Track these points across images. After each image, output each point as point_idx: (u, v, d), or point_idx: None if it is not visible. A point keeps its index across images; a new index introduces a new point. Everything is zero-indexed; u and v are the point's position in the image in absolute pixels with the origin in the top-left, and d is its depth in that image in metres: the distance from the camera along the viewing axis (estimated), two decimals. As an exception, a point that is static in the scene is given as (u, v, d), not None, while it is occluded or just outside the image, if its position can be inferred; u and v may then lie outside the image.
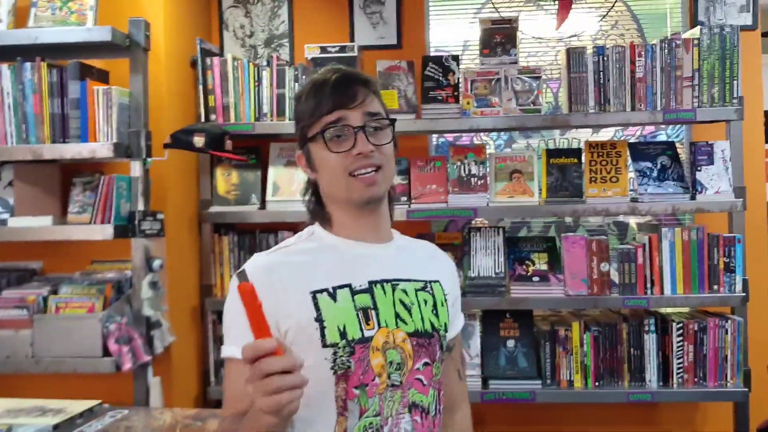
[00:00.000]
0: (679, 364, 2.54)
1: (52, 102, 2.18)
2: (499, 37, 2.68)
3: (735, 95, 2.53)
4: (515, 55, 2.67)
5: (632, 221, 3.00)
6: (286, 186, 2.73)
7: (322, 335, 1.16)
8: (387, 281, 1.24)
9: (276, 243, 2.75)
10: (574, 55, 2.59)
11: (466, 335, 2.65)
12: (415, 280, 1.27)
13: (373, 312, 1.20)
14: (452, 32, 3.09)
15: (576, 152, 2.68)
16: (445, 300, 1.31)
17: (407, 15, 2.96)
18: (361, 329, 1.18)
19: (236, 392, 1.14)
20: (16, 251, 2.56)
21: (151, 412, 1.65)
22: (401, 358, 1.20)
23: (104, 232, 2.16)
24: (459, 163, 2.69)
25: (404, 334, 1.22)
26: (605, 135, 3.01)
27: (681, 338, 2.54)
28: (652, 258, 2.56)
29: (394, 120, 1.28)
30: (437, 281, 1.31)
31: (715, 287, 2.54)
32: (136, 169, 2.25)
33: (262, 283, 1.05)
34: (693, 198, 2.56)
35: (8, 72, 2.19)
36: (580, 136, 3.03)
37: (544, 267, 2.64)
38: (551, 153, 2.69)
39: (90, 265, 2.52)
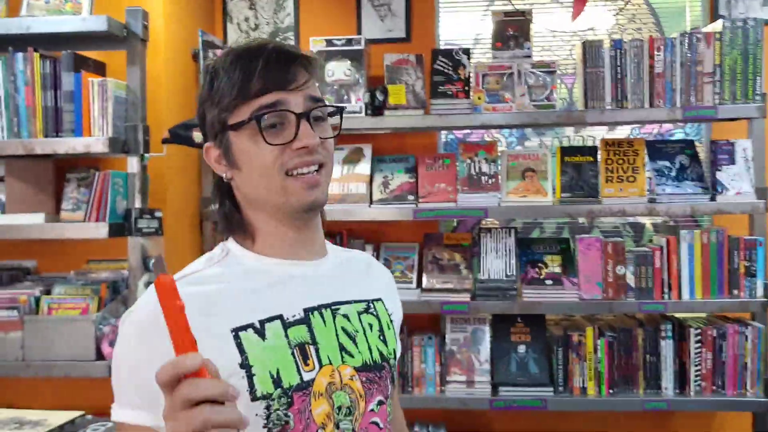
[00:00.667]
0: (696, 371, 2.43)
1: (45, 94, 2.09)
2: (513, 29, 2.57)
3: (758, 92, 2.42)
4: (529, 48, 2.56)
5: (648, 222, 2.89)
6: (289, 183, 2.63)
7: (251, 385, 0.91)
8: (325, 306, 1.01)
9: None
10: (590, 49, 2.48)
11: (476, 340, 2.55)
12: (355, 301, 1.06)
13: (311, 348, 0.97)
14: (463, 25, 2.99)
15: (592, 150, 2.58)
16: (391, 322, 1.11)
17: (416, 7, 2.86)
18: (299, 372, 0.94)
19: None
20: (10, 249, 2.48)
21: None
22: (351, 400, 0.98)
23: (98, 230, 2.07)
24: (469, 161, 2.58)
25: (351, 370, 0.99)
26: (621, 133, 2.90)
27: (699, 345, 2.44)
28: (670, 261, 2.45)
29: (343, 108, 1.08)
30: (379, 299, 1.11)
31: (735, 292, 2.43)
32: (133, 165, 2.16)
33: (164, 343, 0.78)
34: (713, 199, 2.45)
35: (-1, 63, 2.10)
36: (594, 134, 2.92)
37: (558, 270, 2.54)
38: (566, 151, 2.58)
39: (86, 264, 2.44)
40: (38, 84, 2.09)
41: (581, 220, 2.88)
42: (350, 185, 2.59)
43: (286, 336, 0.95)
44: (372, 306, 1.09)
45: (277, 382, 0.92)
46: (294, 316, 0.98)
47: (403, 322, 1.23)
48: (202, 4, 2.82)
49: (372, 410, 1.01)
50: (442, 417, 2.66)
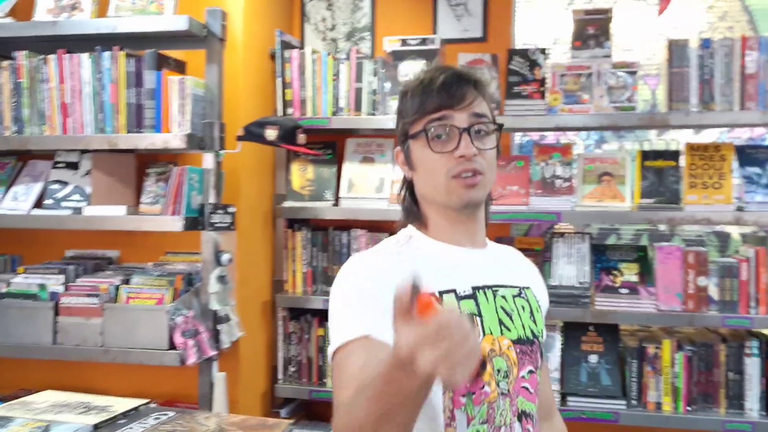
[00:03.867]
0: (785, 392, 2.28)
1: (128, 92, 2.18)
2: (593, 28, 2.49)
3: None
4: (609, 48, 2.47)
5: (735, 232, 2.73)
6: (360, 183, 2.64)
7: None
8: (488, 287, 1.20)
9: (349, 241, 2.69)
10: (676, 49, 2.37)
11: (546, 347, 2.48)
12: (511, 286, 1.24)
13: (478, 319, 1.15)
14: (541, 27, 2.91)
15: (674, 155, 2.46)
16: (539, 306, 1.29)
17: (494, 7, 2.81)
18: None
19: (363, 368, 1.00)
20: (98, 239, 2.60)
21: (197, 417, 1.58)
22: (507, 365, 1.16)
23: (174, 223, 2.14)
24: (543, 164, 2.52)
25: (509, 341, 1.18)
26: (707, 137, 2.76)
27: (789, 364, 2.28)
28: (758, 274, 2.31)
29: (501, 125, 1.23)
30: (529, 287, 1.29)
31: (832, 309, 2.27)
32: (208, 160, 2.22)
33: (379, 283, 1.06)
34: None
35: (88, 61, 2.21)
36: (678, 138, 2.78)
37: (634, 278, 2.43)
38: (646, 155, 2.48)
39: (163, 255, 2.53)
40: (122, 81, 2.18)
41: (661, 227, 2.76)
42: (421, 186, 2.58)
43: (459, 307, 1.14)
44: (523, 292, 1.26)
45: None
46: (464, 291, 1.17)
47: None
48: (281, 4, 2.88)
49: (523, 377, 1.19)
50: (508, 424, 2.59)
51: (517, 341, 1.19)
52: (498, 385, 1.14)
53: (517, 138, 2.90)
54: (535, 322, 1.25)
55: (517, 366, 1.18)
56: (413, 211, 1.26)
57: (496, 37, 2.80)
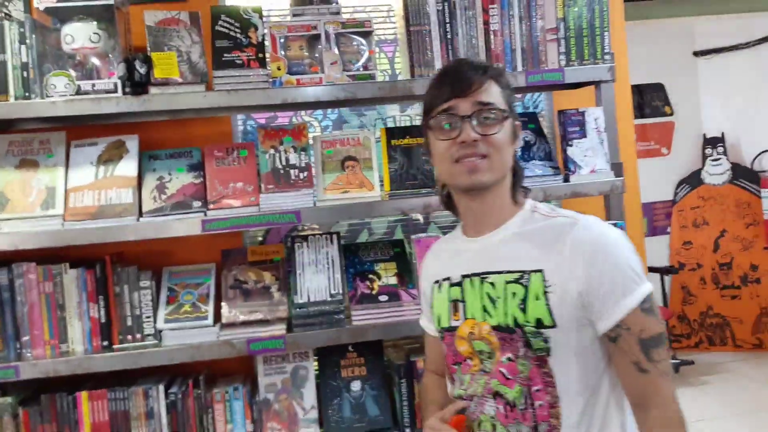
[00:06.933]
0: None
1: None
2: (315, -21, 2.01)
3: (606, 50, 2.05)
4: (337, 3, 2.01)
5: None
6: (19, 198, 1.86)
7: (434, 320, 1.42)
8: (477, 274, 1.31)
9: (11, 280, 1.89)
10: (412, 4, 1.98)
11: (298, 381, 1.98)
12: (508, 272, 1.27)
13: (461, 304, 1.33)
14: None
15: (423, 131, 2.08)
16: (545, 292, 1.23)
17: (192, -43, 2.20)
18: (450, 319, 1.35)
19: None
20: None
21: None
22: (490, 348, 1.28)
23: None
24: (272, 151, 1.99)
25: (489, 327, 1.28)
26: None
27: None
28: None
29: (509, 112, 1.30)
30: (540, 271, 1.24)
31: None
32: None
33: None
34: (566, 180, 2.06)
35: None
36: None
37: (393, 280, 2.02)
38: (392, 132, 2.07)
39: None
40: None
41: (416, 216, 2.39)
42: (109, 193, 1.89)
43: (449, 293, 1.37)
44: (526, 277, 1.25)
45: (439, 322, 1.39)
46: (456, 279, 1.36)
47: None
48: None
49: (501, 361, 1.27)
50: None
51: (497, 328, 1.27)
52: (482, 362, 1.29)
53: (240, 122, 2.33)
54: (524, 310, 1.24)
55: (499, 350, 1.27)
56: (449, 202, 1.42)
57: (200, -5, 2.19)
